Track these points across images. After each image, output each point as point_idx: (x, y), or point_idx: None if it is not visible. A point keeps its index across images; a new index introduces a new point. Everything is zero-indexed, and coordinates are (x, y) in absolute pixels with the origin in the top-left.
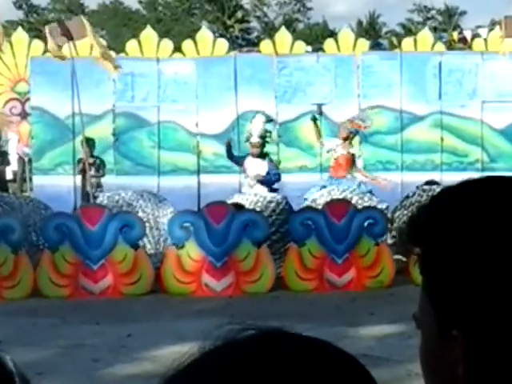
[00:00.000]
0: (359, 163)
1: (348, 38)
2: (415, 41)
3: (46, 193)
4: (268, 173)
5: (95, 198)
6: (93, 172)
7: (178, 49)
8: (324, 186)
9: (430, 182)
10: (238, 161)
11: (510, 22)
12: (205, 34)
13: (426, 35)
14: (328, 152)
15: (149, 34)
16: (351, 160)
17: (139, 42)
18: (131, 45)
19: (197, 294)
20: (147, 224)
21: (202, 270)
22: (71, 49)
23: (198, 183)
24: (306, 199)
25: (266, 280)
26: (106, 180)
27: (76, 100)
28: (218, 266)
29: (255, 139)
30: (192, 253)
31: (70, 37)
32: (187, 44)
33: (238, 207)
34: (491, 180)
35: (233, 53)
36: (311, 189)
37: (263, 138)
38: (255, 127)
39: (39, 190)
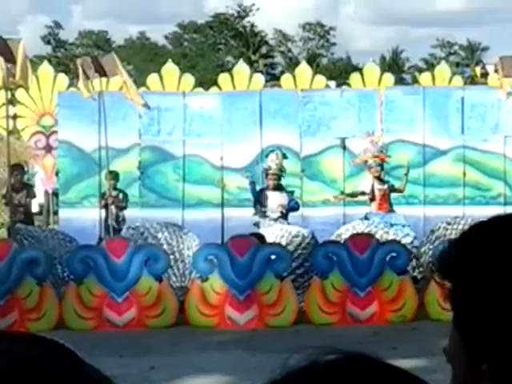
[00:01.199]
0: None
1: (373, 73)
2: (433, 75)
3: (72, 226)
4: (289, 202)
5: (118, 230)
6: (115, 205)
7: (215, 81)
8: (366, 218)
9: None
10: (256, 197)
11: (506, 63)
12: (242, 68)
13: (443, 70)
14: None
15: (171, 68)
16: (387, 194)
17: (161, 77)
18: (153, 79)
19: (220, 326)
20: (172, 256)
21: (226, 303)
22: (101, 83)
23: (222, 216)
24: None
25: (288, 313)
26: (131, 213)
27: (103, 134)
28: (242, 298)
29: (274, 170)
30: (216, 285)
31: (103, 73)
32: (223, 78)
33: (259, 237)
34: None
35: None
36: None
37: (281, 170)
38: (272, 159)
39: (65, 223)
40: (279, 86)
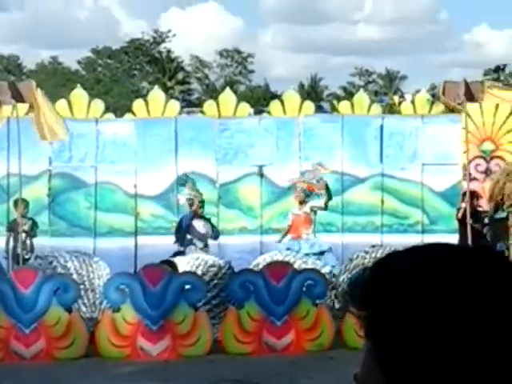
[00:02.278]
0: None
1: (294, 101)
2: (352, 104)
3: None
4: (212, 230)
5: (26, 260)
6: (24, 233)
7: (129, 107)
8: (288, 248)
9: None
10: (186, 227)
11: (449, 88)
12: (157, 94)
13: (362, 98)
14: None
15: (79, 93)
16: (308, 219)
17: (69, 102)
18: (61, 105)
19: (132, 357)
20: (82, 286)
21: (138, 334)
22: (13, 110)
23: (135, 245)
24: None
25: (203, 343)
26: (41, 241)
27: (11, 160)
28: (155, 329)
29: (201, 198)
30: (128, 316)
31: (20, 99)
32: (138, 104)
33: (171, 265)
34: (435, 247)
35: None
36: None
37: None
38: (192, 189)
39: None
40: (202, 112)
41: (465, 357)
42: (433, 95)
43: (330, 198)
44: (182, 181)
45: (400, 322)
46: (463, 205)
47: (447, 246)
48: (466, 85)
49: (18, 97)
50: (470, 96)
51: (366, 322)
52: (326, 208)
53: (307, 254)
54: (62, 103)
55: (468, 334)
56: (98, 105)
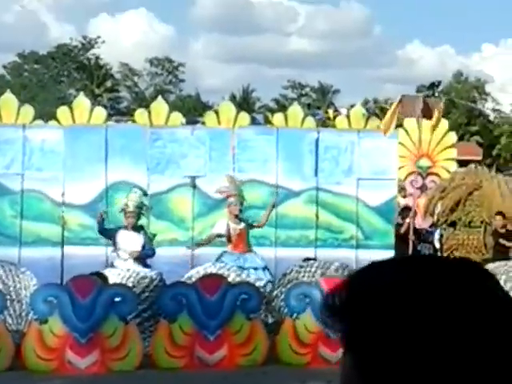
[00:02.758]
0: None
1: (229, 112)
2: (286, 116)
3: None
4: (143, 247)
5: None
6: None
7: (52, 116)
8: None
9: (309, 259)
10: (110, 234)
11: (406, 102)
12: (82, 101)
13: (296, 111)
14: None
15: (9, 98)
16: (244, 234)
17: None
18: None
19: (60, 371)
20: (8, 296)
21: (66, 347)
22: None
23: (62, 255)
24: None
25: (133, 357)
26: None
27: None
28: (83, 342)
29: (131, 208)
30: (55, 328)
31: None
32: (62, 111)
33: (101, 277)
34: (415, 258)
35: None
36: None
37: (139, 208)
38: (131, 198)
39: None
40: (132, 121)
41: (448, 367)
42: (367, 109)
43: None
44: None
45: (380, 333)
46: (407, 220)
47: (427, 257)
48: (424, 101)
49: None
50: (427, 112)
51: (344, 335)
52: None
53: (245, 268)
54: None
55: (449, 346)
56: (28, 111)
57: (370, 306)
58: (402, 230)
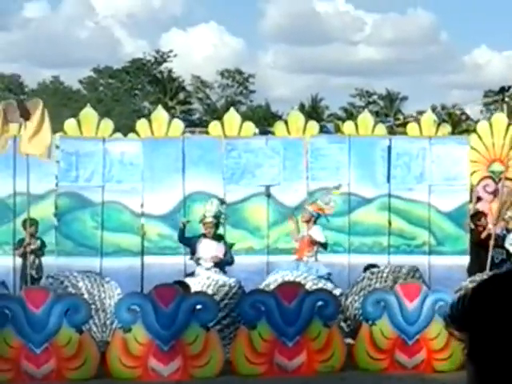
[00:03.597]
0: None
1: (298, 121)
2: (356, 124)
3: None
4: (225, 255)
5: (37, 280)
6: (34, 253)
7: (131, 127)
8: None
9: (371, 266)
10: (191, 243)
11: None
12: (160, 114)
13: (366, 118)
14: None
15: (89, 113)
16: (310, 242)
17: (78, 122)
18: (70, 124)
19: (143, 378)
20: (93, 306)
21: (149, 354)
22: (20, 128)
23: (142, 264)
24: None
25: (214, 364)
26: (47, 261)
27: (18, 179)
28: (166, 349)
29: (209, 219)
30: (139, 336)
31: (28, 117)
32: (141, 124)
33: (183, 286)
34: None
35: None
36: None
37: (217, 218)
38: (209, 209)
39: None
40: (204, 132)
41: None
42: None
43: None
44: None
45: (501, 344)
46: (490, 226)
47: None
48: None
49: (26, 115)
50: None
51: (467, 344)
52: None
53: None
54: (70, 122)
55: None
56: (107, 124)
57: (491, 318)
58: (483, 235)
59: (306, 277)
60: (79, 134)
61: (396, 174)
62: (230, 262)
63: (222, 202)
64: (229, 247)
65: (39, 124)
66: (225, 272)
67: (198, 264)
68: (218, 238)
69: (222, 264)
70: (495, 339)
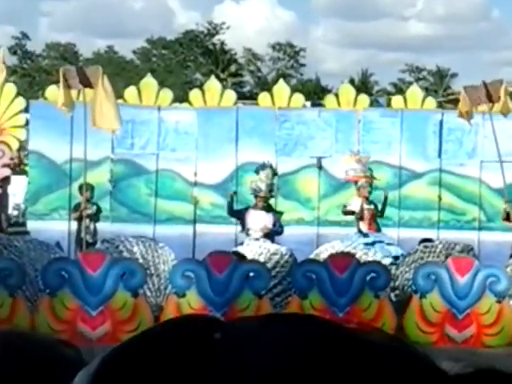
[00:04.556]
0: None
1: (349, 94)
2: (405, 98)
3: (41, 238)
4: (274, 225)
5: (91, 244)
6: (88, 218)
7: (183, 98)
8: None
9: (426, 240)
10: (240, 215)
11: (470, 92)
12: (213, 84)
13: (415, 92)
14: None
15: (149, 82)
16: (374, 215)
17: (139, 90)
18: (130, 92)
19: None
20: (147, 271)
21: None
22: (78, 95)
23: (194, 233)
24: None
25: None
26: (102, 227)
27: (74, 145)
28: (219, 315)
29: (265, 193)
30: (193, 302)
31: (88, 85)
32: (195, 94)
33: (240, 257)
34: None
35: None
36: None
37: (271, 191)
38: (263, 180)
39: (33, 235)
40: (256, 104)
41: None
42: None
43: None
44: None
45: None
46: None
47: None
48: (485, 87)
49: (86, 82)
50: (490, 98)
51: None
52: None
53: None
54: (131, 91)
55: None
56: (167, 94)
57: None
58: None
59: (356, 246)
60: (139, 102)
61: (448, 148)
62: (280, 232)
63: (275, 173)
64: (278, 217)
65: (105, 94)
66: (273, 242)
67: (248, 235)
68: (268, 208)
69: (272, 234)
70: None
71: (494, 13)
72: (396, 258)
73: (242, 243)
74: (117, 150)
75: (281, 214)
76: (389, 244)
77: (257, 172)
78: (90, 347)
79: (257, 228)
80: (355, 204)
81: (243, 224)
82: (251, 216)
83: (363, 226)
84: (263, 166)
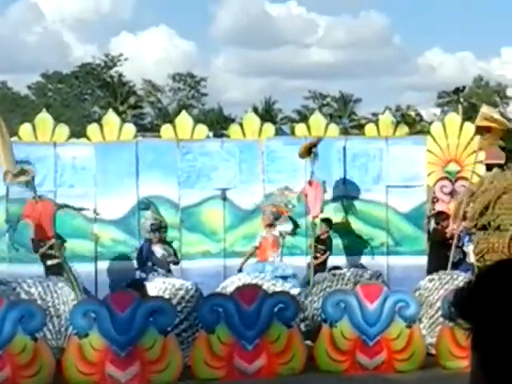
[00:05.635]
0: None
1: (253, 124)
2: (308, 126)
3: None
4: (174, 255)
5: None
6: None
7: (81, 133)
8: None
9: (334, 268)
10: (147, 254)
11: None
12: (111, 118)
13: (318, 119)
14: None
15: (44, 117)
16: (276, 242)
17: (33, 127)
18: (25, 129)
19: None
20: (47, 312)
21: (106, 360)
22: None
23: (96, 270)
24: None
25: (173, 369)
26: (0, 268)
27: None
28: (123, 355)
29: (163, 223)
30: (95, 342)
31: None
32: (92, 128)
33: (139, 285)
34: None
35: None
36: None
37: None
38: (147, 216)
39: None
40: (156, 136)
41: None
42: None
43: (296, 224)
44: (145, 205)
45: (504, 333)
46: (455, 226)
47: None
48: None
49: None
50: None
51: (471, 334)
52: (294, 234)
53: (277, 277)
54: (25, 127)
55: None
56: (63, 129)
57: (494, 306)
58: (448, 234)
59: (263, 277)
60: (34, 139)
61: (353, 175)
62: (176, 262)
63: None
64: (172, 249)
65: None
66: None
67: (153, 271)
68: (164, 242)
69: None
70: (499, 328)
71: (395, 38)
72: (284, 277)
73: (145, 278)
74: (12, 188)
75: (170, 244)
76: (287, 277)
77: (145, 209)
78: None
79: (162, 262)
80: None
81: (146, 262)
82: (153, 251)
83: (263, 255)
84: (144, 205)
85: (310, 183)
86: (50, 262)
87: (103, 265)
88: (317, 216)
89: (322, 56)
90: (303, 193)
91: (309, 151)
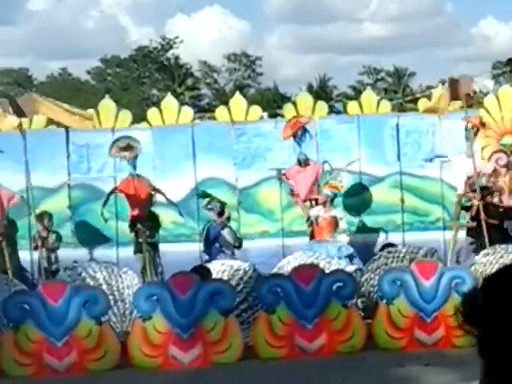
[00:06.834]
0: (342, 224)
1: (306, 102)
2: (360, 103)
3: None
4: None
5: (54, 272)
6: (45, 247)
7: (141, 116)
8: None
9: (389, 245)
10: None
11: (453, 84)
12: (170, 101)
13: (369, 96)
14: (314, 219)
15: (107, 104)
16: (333, 223)
17: (97, 113)
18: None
19: (164, 367)
20: (111, 296)
21: (169, 343)
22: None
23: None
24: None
25: (234, 350)
26: (64, 253)
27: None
28: (185, 337)
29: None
30: (158, 325)
31: (21, 114)
32: (152, 112)
33: (204, 270)
34: None
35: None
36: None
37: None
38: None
39: None
40: (212, 118)
41: None
42: None
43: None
44: (200, 195)
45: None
46: (475, 202)
47: None
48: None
49: (20, 112)
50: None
51: (478, 340)
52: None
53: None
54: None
55: None
56: (126, 115)
57: (502, 313)
58: (472, 212)
59: (318, 257)
60: (98, 125)
61: (406, 151)
62: (239, 245)
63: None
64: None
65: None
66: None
67: (221, 252)
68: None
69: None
70: (507, 335)
71: (447, 8)
72: (349, 257)
73: (207, 261)
74: (73, 175)
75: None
76: (351, 256)
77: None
78: (57, 379)
79: (227, 245)
80: (314, 212)
81: (213, 243)
82: (221, 235)
83: (321, 235)
84: (203, 193)
85: (301, 164)
86: (140, 240)
87: (165, 247)
88: (305, 200)
89: (375, 30)
90: (290, 176)
91: (295, 132)
